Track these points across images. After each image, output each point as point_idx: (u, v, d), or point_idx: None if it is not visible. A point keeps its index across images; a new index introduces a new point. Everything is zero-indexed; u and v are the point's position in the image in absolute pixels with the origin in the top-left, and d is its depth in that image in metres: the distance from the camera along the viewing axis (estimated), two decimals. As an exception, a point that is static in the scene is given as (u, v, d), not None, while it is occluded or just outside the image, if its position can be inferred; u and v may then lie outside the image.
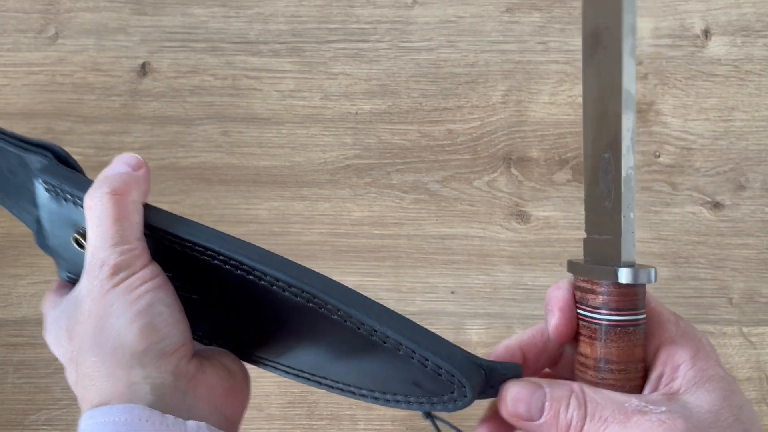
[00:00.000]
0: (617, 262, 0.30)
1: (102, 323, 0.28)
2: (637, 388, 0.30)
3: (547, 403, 0.29)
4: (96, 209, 0.29)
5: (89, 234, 0.29)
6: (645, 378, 0.30)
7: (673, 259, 0.50)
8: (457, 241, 0.51)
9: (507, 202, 0.51)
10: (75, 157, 0.52)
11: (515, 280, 0.50)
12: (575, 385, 0.29)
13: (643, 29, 0.55)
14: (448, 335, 0.49)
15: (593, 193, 0.31)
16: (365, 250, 0.50)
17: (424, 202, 0.51)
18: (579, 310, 0.31)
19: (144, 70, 0.54)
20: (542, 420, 0.29)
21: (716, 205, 0.51)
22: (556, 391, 0.29)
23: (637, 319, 0.30)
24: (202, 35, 0.54)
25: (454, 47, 0.55)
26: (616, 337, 0.30)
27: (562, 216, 0.51)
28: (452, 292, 0.50)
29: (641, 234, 0.51)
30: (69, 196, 0.31)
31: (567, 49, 0.54)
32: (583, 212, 0.53)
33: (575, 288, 0.31)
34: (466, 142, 0.53)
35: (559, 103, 0.53)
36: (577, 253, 0.51)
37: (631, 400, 0.28)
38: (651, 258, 0.50)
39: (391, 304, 0.50)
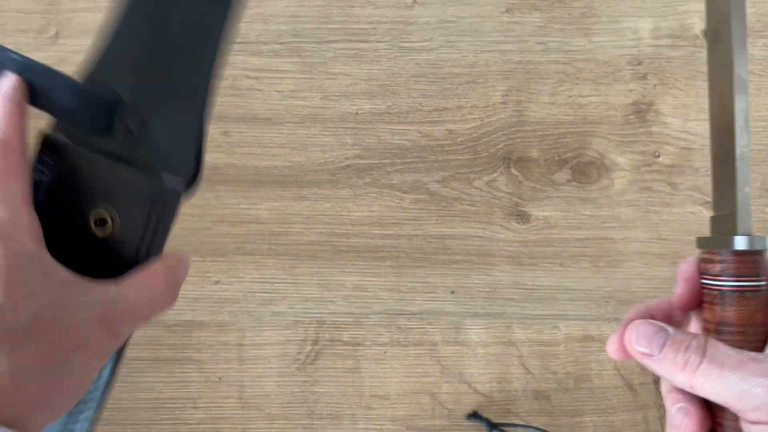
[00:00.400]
0: (734, 233, 0.33)
1: None
2: (758, 350, 0.32)
3: (669, 342, 0.31)
4: None
5: None
6: (766, 342, 0.32)
7: (672, 259, 0.50)
8: (457, 241, 0.51)
9: (507, 202, 0.51)
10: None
11: (515, 279, 0.50)
12: (700, 336, 0.31)
13: (643, 30, 0.55)
14: (448, 335, 0.49)
15: (717, 173, 0.36)
16: (365, 250, 0.50)
17: (424, 202, 0.51)
18: (702, 280, 0.34)
19: (144, 70, 0.54)
20: (660, 355, 0.31)
21: (716, 205, 0.52)
22: (679, 335, 0.31)
23: (756, 285, 0.32)
24: (203, 35, 0.54)
25: (453, 47, 0.55)
26: (735, 302, 0.32)
27: (562, 216, 0.51)
28: (452, 292, 0.50)
29: (641, 234, 0.51)
30: None
31: (567, 49, 0.55)
32: (584, 212, 0.53)
33: (700, 261, 0.34)
34: (466, 142, 0.53)
35: (559, 103, 0.53)
36: (576, 252, 0.52)
37: (750, 353, 0.30)
38: (650, 258, 0.50)
39: (391, 304, 0.50)
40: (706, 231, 0.51)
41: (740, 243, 0.33)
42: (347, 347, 0.49)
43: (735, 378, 0.29)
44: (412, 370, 0.48)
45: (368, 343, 0.49)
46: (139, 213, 0.31)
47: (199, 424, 0.47)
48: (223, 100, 0.53)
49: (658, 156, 0.53)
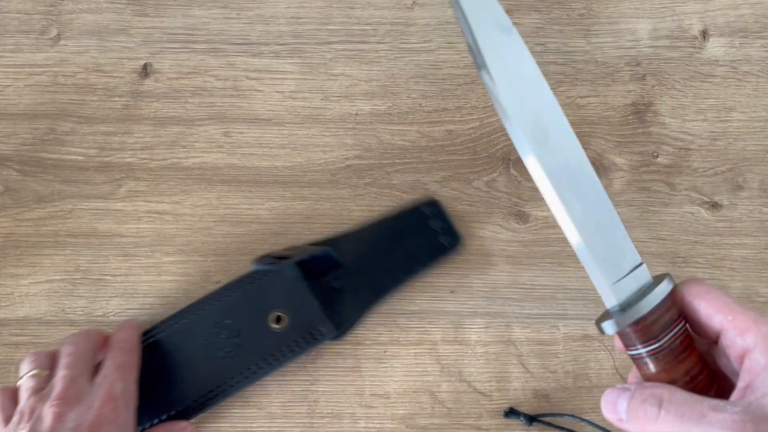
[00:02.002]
0: (603, 318, 0.35)
1: None
2: (705, 389, 0.33)
3: (630, 400, 0.32)
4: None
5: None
6: (711, 377, 0.34)
7: (671, 259, 0.51)
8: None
9: (506, 202, 0.52)
10: (77, 157, 0.53)
11: (514, 279, 0.50)
12: (658, 387, 0.32)
13: (642, 30, 0.55)
14: (448, 334, 0.49)
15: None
16: (365, 250, 0.51)
17: (424, 202, 0.52)
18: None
19: (146, 71, 0.54)
20: (626, 416, 0.32)
21: (714, 206, 0.52)
22: (639, 390, 0.32)
23: (642, 353, 0.34)
24: (204, 36, 0.55)
25: (453, 48, 0.55)
26: (640, 365, 0.34)
27: (561, 216, 0.51)
28: (451, 292, 0.50)
29: (640, 234, 0.51)
30: None
31: (565, 50, 0.55)
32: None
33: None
34: (466, 143, 0.53)
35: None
36: (575, 252, 0.52)
37: (711, 401, 0.30)
38: (649, 258, 0.50)
39: (392, 304, 0.50)
40: (703, 231, 0.51)
41: (608, 329, 0.34)
42: (347, 346, 0.49)
43: (696, 430, 0.30)
44: (412, 369, 0.48)
45: (368, 342, 0.49)
46: (302, 331, 0.47)
47: (199, 423, 0.47)
48: (223, 100, 0.53)
49: (657, 156, 0.53)
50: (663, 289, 0.34)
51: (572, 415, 0.47)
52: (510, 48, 0.35)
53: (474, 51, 0.35)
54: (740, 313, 0.32)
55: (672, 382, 0.33)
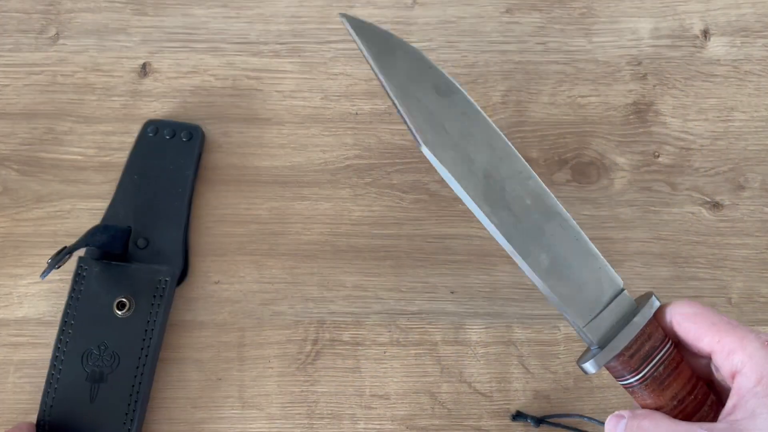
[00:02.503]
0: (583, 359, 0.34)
1: None
2: (696, 409, 0.33)
3: (625, 428, 0.33)
4: None
5: None
6: (704, 395, 0.34)
7: (672, 259, 0.50)
8: (457, 240, 0.51)
9: (507, 202, 0.51)
10: (76, 157, 0.53)
11: (515, 279, 0.50)
12: (645, 417, 0.33)
13: (643, 30, 0.55)
14: (448, 335, 0.49)
15: None
16: (365, 250, 0.50)
17: (424, 202, 0.52)
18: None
19: (145, 70, 0.54)
20: None
21: (715, 205, 0.52)
22: (629, 422, 0.33)
23: (631, 382, 0.34)
24: (203, 36, 0.55)
25: (453, 47, 0.55)
26: (632, 391, 0.34)
27: (562, 216, 0.51)
28: (452, 292, 0.50)
29: (641, 234, 0.51)
30: None
31: (567, 49, 0.55)
32: (584, 212, 0.53)
33: None
34: (466, 143, 0.53)
35: (558, 103, 0.54)
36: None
37: (694, 427, 0.31)
38: (650, 258, 0.50)
39: (391, 304, 0.50)
40: (705, 231, 0.51)
41: (589, 368, 0.34)
42: (347, 347, 0.49)
43: None
44: (412, 370, 0.48)
45: (368, 342, 0.49)
46: (147, 295, 0.47)
47: (199, 424, 0.47)
48: (223, 100, 0.53)
49: (658, 156, 0.53)
50: (640, 320, 0.33)
51: (581, 415, 0.47)
52: (452, 110, 0.34)
53: (409, 129, 0.34)
54: (727, 334, 0.32)
55: (660, 407, 0.33)
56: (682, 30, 0.55)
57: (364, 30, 0.36)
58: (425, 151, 0.34)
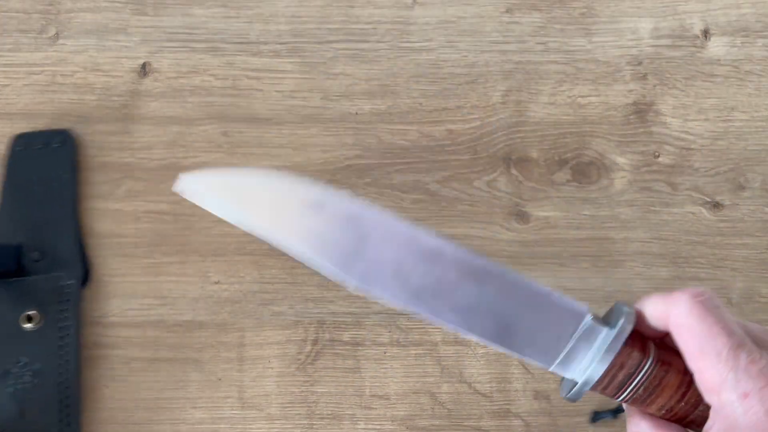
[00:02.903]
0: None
1: None
2: (688, 412, 0.31)
3: None
4: None
5: None
6: (697, 397, 0.31)
7: (672, 259, 0.50)
8: (457, 241, 0.51)
9: (507, 202, 0.51)
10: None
11: (515, 280, 0.50)
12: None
13: (643, 30, 0.55)
14: (448, 335, 0.49)
15: None
16: (365, 250, 0.50)
17: (424, 202, 0.52)
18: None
19: (144, 70, 0.54)
20: None
21: (716, 205, 0.52)
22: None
23: (617, 405, 0.35)
24: (203, 35, 0.55)
25: (454, 47, 0.55)
26: (638, 403, 0.32)
27: (562, 216, 0.51)
28: (452, 292, 0.50)
29: (641, 234, 0.51)
30: None
31: (567, 49, 0.55)
32: (584, 212, 0.53)
33: None
34: (466, 143, 0.53)
35: (558, 103, 0.53)
36: (576, 252, 0.52)
37: None
38: (650, 258, 0.50)
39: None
40: (705, 231, 0.51)
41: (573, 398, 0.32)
42: (347, 347, 0.49)
43: None
44: (412, 370, 0.48)
45: (368, 343, 0.49)
46: (53, 304, 0.46)
47: (199, 424, 0.47)
48: (223, 100, 0.53)
49: (658, 156, 0.53)
50: (607, 356, 0.30)
51: None
52: (329, 222, 0.31)
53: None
54: (710, 368, 0.28)
55: (649, 413, 0.32)
56: (683, 30, 0.55)
57: (206, 190, 0.33)
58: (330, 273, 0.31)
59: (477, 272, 0.31)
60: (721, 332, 0.28)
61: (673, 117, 0.53)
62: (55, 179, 0.50)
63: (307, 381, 0.48)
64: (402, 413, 0.48)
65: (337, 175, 0.52)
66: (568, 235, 0.51)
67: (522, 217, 0.51)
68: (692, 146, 0.53)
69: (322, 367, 0.48)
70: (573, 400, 0.32)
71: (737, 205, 0.52)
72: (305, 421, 0.47)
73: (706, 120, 0.53)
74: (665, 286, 0.50)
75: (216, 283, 0.50)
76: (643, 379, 0.31)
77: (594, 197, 0.52)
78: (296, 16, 0.55)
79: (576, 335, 0.31)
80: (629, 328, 0.31)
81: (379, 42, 0.55)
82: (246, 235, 0.51)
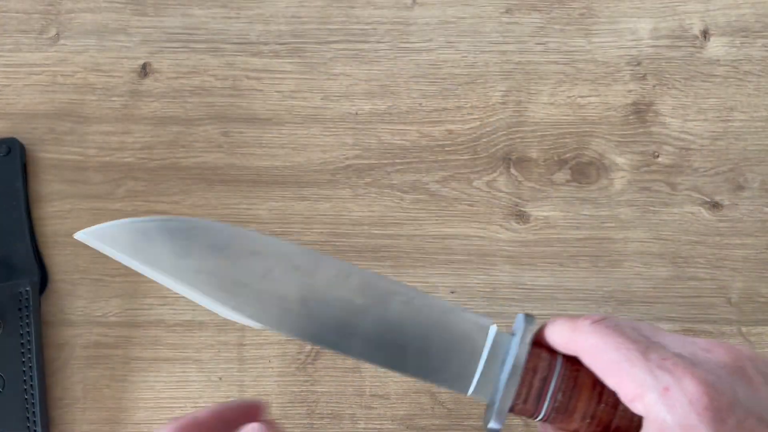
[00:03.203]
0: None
1: None
2: (609, 416, 0.30)
3: None
4: None
5: None
6: (613, 401, 0.30)
7: (672, 259, 0.50)
8: (457, 241, 0.51)
9: (506, 202, 0.52)
10: (76, 157, 0.53)
11: (515, 279, 0.50)
12: None
13: (642, 30, 0.55)
14: (448, 335, 0.49)
15: None
16: (365, 250, 0.50)
17: (424, 202, 0.52)
18: None
19: (145, 70, 0.54)
20: None
21: (715, 205, 0.52)
22: None
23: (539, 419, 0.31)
24: (203, 36, 0.55)
25: (453, 48, 0.55)
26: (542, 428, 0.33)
27: (562, 216, 0.51)
28: (452, 292, 0.50)
29: (641, 234, 0.51)
30: None
31: (566, 50, 0.55)
32: (583, 212, 0.53)
33: None
34: (466, 143, 0.53)
35: (558, 103, 0.54)
36: (576, 252, 0.52)
37: None
38: (650, 258, 0.50)
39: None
40: (704, 231, 0.51)
41: (494, 426, 0.31)
42: (347, 347, 0.49)
43: None
44: (412, 370, 0.48)
45: (368, 342, 0.49)
46: (12, 311, 0.46)
47: (199, 423, 0.47)
48: (223, 100, 0.53)
49: (658, 156, 0.53)
50: (519, 361, 0.30)
51: None
52: (240, 258, 0.30)
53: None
54: (627, 377, 0.28)
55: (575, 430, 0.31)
56: (682, 30, 0.55)
57: (109, 238, 0.33)
58: (233, 317, 0.31)
59: (383, 294, 0.31)
60: (625, 342, 0.28)
61: (672, 117, 0.53)
62: (5, 186, 0.50)
63: (308, 381, 0.48)
64: (402, 413, 0.48)
65: (337, 174, 0.52)
66: (568, 235, 0.51)
67: (521, 217, 0.51)
68: (692, 146, 0.53)
69: (322, 367, 0.48)
70: (498, 425, 0.31)
71: (736, 205, 0.52)
72: (305, 421, 0.47)
73: (706, 120, 0.53)
74: (664, 286, 0.50)
75: (216, 283, 0.50)
76: (558, 382, 0.30)
77: (593, 197, 0.52)
78: (296, 16, 0.55)
79: (486, 349, 0.31)
80: (533, 329, 0.31)
81: (379, 42, 0.55)
82: (246, 235, 0.51)
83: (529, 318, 0.31)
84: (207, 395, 0.47)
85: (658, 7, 0.56)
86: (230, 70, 0.54)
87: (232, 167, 0.52)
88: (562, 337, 0.31)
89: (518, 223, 0.51)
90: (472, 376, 0.31)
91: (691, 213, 0.52)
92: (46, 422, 0.46)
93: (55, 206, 0.51)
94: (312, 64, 0.54)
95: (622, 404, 0.29)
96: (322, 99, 0.54)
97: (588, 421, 0.30)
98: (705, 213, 0.52)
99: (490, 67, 0.54)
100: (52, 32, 0.55)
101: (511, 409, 0.31)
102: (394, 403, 0.48)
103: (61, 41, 0.54)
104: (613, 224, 0.51)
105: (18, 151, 0.51)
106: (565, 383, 0.30)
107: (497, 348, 0.31)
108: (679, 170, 0.52)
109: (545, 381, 0.30)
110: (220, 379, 0.48)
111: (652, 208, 0.52)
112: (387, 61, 0.54)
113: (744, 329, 0.49)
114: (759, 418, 0.26)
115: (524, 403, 0.31)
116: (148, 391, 0.48)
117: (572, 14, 0.56)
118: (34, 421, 0.45)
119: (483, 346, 0.31)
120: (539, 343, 0.32)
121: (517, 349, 0.30)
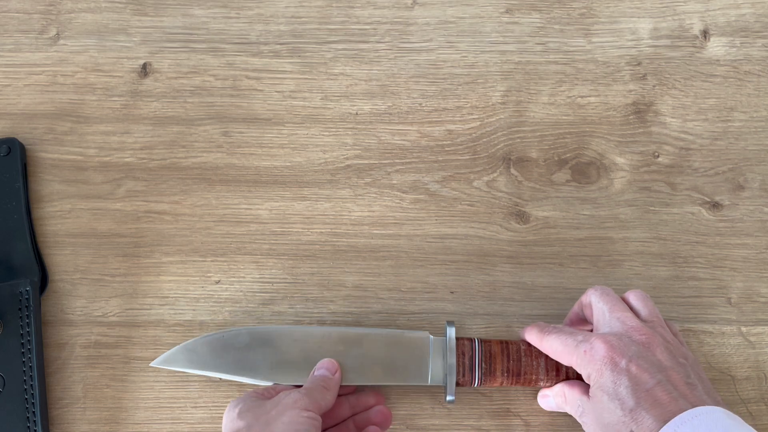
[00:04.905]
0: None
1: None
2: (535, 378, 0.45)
3: None
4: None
5: None
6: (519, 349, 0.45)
7: (672, 259, 0.50)
8: (457, 241, 0.51)
9: (506, 202, 0.52)
10: (76, 157, 0.53)
11: (515, 279, 0.50)
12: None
13: (642, 30, 0.55)
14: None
15: None
16: (365, 250, 0.50)
17: (424, 202, 0.52)
18: None
19: (145, 70, 0.54)
20: None
21: (715, 205, 0.52)
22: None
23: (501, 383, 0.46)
24: (203, 36, 0.55)
25: (453, 48, 0.55)
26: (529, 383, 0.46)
27: (561, 216, 0.51)
28: (452, 292, 0.50)
29: (640, 234, 0.51)
30: None
31: (566, 49, 0.55)
32: (583, 212, 0.53)
33: None
34: (466, 143, 0.53)
35: (558, 103, 0.54)
36: (576, 252, 0.52)
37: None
38: (650, 257, 0.50)
39: (392, 304, 0.50)
40: (704, 231, 0.51)
41: (449, 398, 0.45)
42: (347, 347, 0.49)
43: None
44: (412, 370, 0.48)
45: (368, 342, 0.49)
46: (12, 310, 0.47)
47: (199, 423, 0.47)
48: (223, 100, 0.53)
49: (658, 156, 0.53)
50: (452, 350, 0.45)
51: None
52: (257, 347, 0.45)
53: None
54: (567, 356, 0.42)
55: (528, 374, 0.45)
56: (682, 30, 0.55)
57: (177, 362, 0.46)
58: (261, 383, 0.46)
59: (354, 339, 0.45)
60: (566, 339, 0.42)
61: (672, 117, 0.53)
62: (5, 187, 0.50)
63: (307, 381, 0.48)
64: (402, 412, 0.48)
65: (337, 174, 0.52)
66: (568, 235, 0.51)
67: (521, 217, 0.51)
68: (691, 146, 0.53)
69: (322, 367, 0.48)
70: (453, 397, 0.44)
71: (736, 205, 0.52)
72: (305, 421, 0.47)
73: (706, 120, 0.53)
74: (664, 286, 0.50)
75: (216, 282, 0.50)
76: (479, 356, 0.44)
77: (593, 197, 0.52)
78: (296, 16, 0.55)
79: (431, 351, 0.45)
80: (454, 329, 0.45)
81: (378, 42, 0.55)
82: (246, 234, 0.51)
83: (450, 323, 0.46)
84: (207, 395, 0.47)
85: (658, 7, 0.56)
86: (230, 70, 0.54)
87: (232, 167, 0.52)
88: (532, 340, 0.45)
89: (518, 223, 0.51)
90: (428, 371, 0.45)
91: (691, 213, 0.52)
92: (46, 422, 0.46)
93: (55, 206, 0.51)
94: (312, 64, 0.54)
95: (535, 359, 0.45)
96: (322, 99, 0.54)
97: (506, 375, 0.44)
98: (705, 213, 0.52)
99: (490, 67, 0.54)
100: (52, 32, 0.55)
101: (457, 383, 0.44)
102: (394, 403, 0.48)
103: (61, 41, 0.54)
104: (612, 224, 0.51)
105: (18, 151, 0.51)
106: (484, 355, 0.44)
107: (437, 348, 0.45)
108: (679, 170, 0.52)
109: (472, 358, 0.44)
110: (220, 378, 0.48)
111: (652, 208, 0.52)
112: (387, 61, 0.54)
113: (744, 329, 0.49)
114: (647, 363, 0.39)
115: (463, 377, 0.44)
116: (148, 391, 0.48)
117: (572, 14, 0.56)
118: (34, 421, 0.45)
119: (428, 350, 0.45)
120: (460, 338, 0.46)
121: (449, 344, 0.45)
